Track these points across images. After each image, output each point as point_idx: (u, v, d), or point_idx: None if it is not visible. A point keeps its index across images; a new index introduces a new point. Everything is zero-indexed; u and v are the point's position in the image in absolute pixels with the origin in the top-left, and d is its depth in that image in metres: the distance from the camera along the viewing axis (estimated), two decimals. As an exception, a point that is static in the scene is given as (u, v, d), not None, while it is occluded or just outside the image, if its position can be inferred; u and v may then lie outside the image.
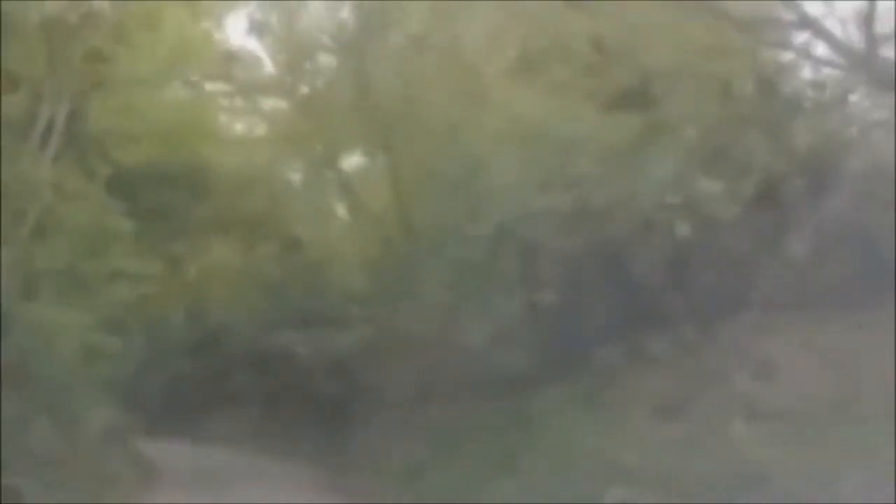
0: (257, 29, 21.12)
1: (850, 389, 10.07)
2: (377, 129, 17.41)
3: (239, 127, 23.90)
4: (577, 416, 12.01)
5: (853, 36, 10.55)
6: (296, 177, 23.36)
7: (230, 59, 20.95)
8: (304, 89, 21.97)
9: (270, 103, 23.28)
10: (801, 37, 11.08)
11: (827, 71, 12.00)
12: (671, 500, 9.61)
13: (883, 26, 10.42)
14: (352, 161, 21.85)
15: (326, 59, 21.57)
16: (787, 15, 10.92)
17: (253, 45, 21.79)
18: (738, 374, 10.61)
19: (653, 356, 11.65)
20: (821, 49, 11.25)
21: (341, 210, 21.87)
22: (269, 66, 22.10)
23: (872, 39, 10.30)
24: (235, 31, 21.49)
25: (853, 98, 12.31)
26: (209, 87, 21.30)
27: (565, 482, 10.88)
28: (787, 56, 12.51)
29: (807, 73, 12.72)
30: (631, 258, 11.28)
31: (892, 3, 10.17)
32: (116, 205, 13.67)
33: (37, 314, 9.57)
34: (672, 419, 11.19)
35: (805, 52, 11.53)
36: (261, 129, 23.70)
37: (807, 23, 10.62)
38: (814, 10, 10.65)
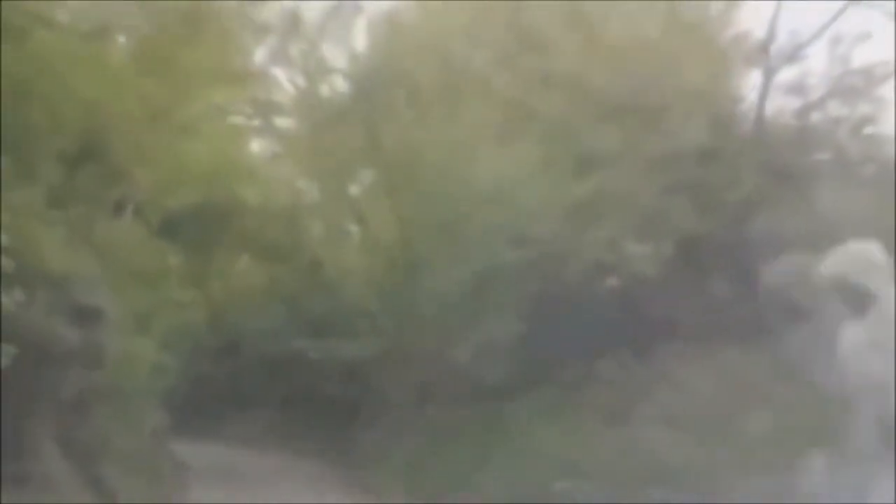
0: (279, 58, 24.15)
1: (742, 403, 13.56)
2: (382, 172, 20.74)
3: (256, 146, 27.04)
4: (542, 422, 15.42)
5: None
6: (313, 202, 26.60)
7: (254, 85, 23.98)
8: (320, 115, 25.18)
9: (286, 125, 26.54)
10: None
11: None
12: (605, 490, 13.10)
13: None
14: (363, 186, 25.11)
15: (340, 90, 24.84)
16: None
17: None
18: (662, 391, 14.05)
19: (602, 376, 15.11)
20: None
21: (354, 236, 25.00)
22: (287, 90, 25.34)
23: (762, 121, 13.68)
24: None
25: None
26: (237, 113, 24.26)
27: (529, 475, 14.30)
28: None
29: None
30: (583, 298, 14.73)
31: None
32: (166, 245, 16.92)
33: (127, 343, 12.88)
34: (615, 426, 14.66)
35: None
36: (278, 150, 26.95)
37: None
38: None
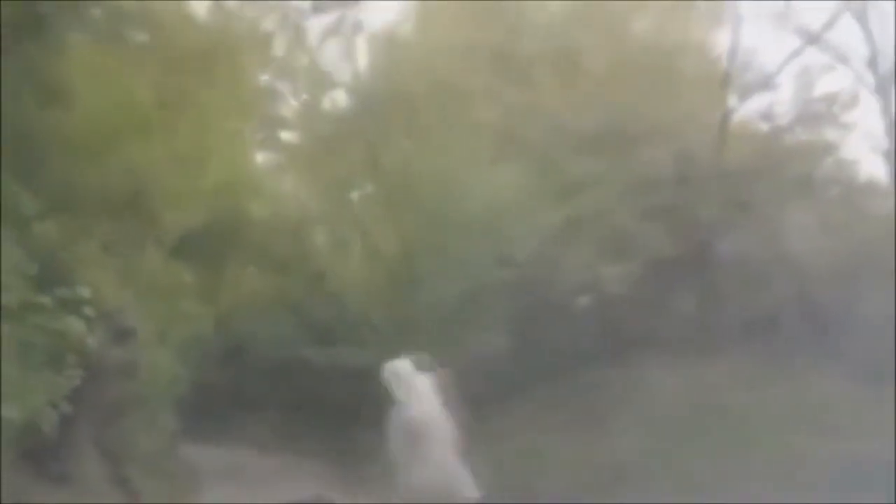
0: (283, 71, 25.77)
1: (707, 407, 15.32)
2: (381, 189, 22.49)
3: (260, 158, 28.75)
4: (527, 424, 17.16)
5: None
6: (317, 214, 28.36)
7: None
8: (321, 128, 26.88)
9: (290, 137, 28.27)
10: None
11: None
12: (585, 488, 14.83)
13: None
14: (364, 200, 26.86)
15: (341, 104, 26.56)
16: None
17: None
18: (635, 396, 15.78)
19: (582, 384, 16.83)
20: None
21: (356, 248, 26.73)
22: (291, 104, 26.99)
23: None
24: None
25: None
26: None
27: (514, 471, 16.05)
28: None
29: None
30: (564, 313, 16.51)
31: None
32: (180, 264, 18.54)
33: (151, 356, 14.55)
34: (594, 429, 16.40)
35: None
36: (282, 162, 28.71)
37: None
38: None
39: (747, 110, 18.40)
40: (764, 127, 18.78)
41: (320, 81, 25.68)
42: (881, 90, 17.42)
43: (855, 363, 14.30)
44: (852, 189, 16.96)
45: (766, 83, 18.65)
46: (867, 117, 18.55)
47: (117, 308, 10.48)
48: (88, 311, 7.17)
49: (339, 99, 26.46)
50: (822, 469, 13.42)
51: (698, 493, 14.33)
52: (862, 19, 17.30)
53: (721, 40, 19.29)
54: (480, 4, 21.16)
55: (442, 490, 7.64)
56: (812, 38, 17.49)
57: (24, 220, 7.27)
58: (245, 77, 18.53)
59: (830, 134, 19.09)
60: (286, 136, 27.56)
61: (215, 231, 21.64)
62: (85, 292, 7.26)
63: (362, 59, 24.94)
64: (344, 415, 23.01)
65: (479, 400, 19.17)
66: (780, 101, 18.95)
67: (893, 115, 16.99)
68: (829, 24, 17.29)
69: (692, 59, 19.77)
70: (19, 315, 6.86)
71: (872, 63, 17.43)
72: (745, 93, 18.46)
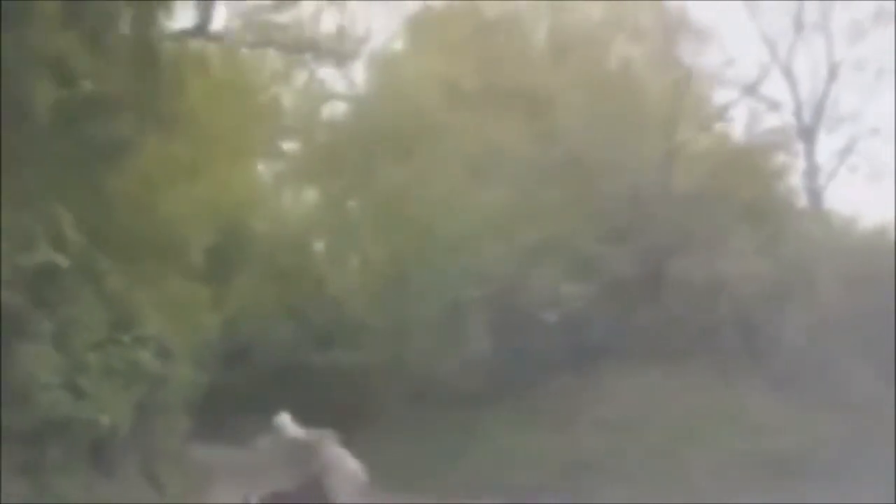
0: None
1: (659, 409, 18.12)
2: (374, 207, 25.18)
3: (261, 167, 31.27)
4: (506, 424, 19.92)
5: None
6: (316, 223, 31.02)
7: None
8: (321, 137, 29.46)
9: (290, 147, 30.87)
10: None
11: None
12: (551, 475, 17.57)
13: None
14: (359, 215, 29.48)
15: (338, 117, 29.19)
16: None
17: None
18: (595, 401, 18.56)
19: (550, 389, 19.62)
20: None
21: (352, 261, 29.40)
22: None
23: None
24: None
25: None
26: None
27: (495, 465, 18.79)
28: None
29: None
30: (534, 326, 19.30)
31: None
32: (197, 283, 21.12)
33: (180, 368, 17.22)
34: (562, 429, 19.18)
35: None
36: (282, 173, 31.38)
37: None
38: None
39: (698, 145, 21.08)
40: (712, 159, 21.38)
41: (319, 94, 28.39)
42: (804, 136, 20.27)
43: (777, 373, 17.15)
44: (785, 217, 19.69)
45: (712, 123, 21.39)
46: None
47: (158, 332, 13.09)
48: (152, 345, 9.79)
49: (337, 111, 29.48)
50: (747, 461, 16.26)
51: (649, 482, 17.17)
52: (789, 75, 20.26)
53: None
54: (463, 41, 23.93)
55: None
56: (748, 90, 20.33)
57: (99, 275, 9.84)
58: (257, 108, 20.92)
59: (772, 167, 21.82)
60: (286, 145, 30.24)
61: (223, 246, 24.31)
62: (151, 331, 9.89)
63: (358, 75, 27.82)
64: (344, 415, 26.40)
65: (463, 402, 22.02)
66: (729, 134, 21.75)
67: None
68: (760, 79, 20.19)
69: (651, 99, 22.48)
70: (105, 349, 9.54)
71: (798, 112, 20.35)
72: (699, 128, 21.19)
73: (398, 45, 27.18)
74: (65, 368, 8.66)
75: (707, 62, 22.04)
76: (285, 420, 10.35)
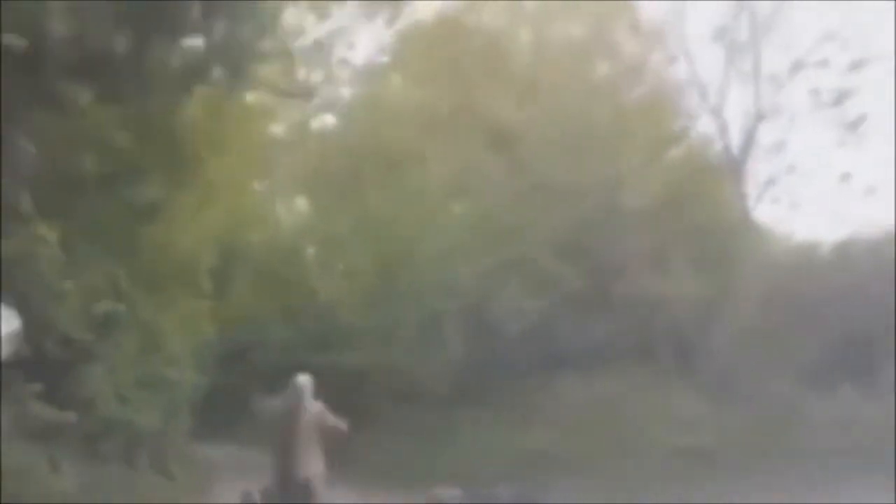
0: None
1: (605, 410, 21.27)
2: (361, 224, 28.27)
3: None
4: (474, 422, 23.02)
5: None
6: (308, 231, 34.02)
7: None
8: (311, 148, 32.30)
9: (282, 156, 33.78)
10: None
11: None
12: (513, 466, 20.69)
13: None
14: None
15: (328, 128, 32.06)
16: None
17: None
18: (551, 402, 21.69)
19: (515, 392, 22.74)
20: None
21: (342, 271, 32.34)
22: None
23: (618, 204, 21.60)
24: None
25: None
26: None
27: (464, 458, 21.86)
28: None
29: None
30: (501, 336, 22.43)
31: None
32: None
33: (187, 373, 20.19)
34: (522, 427, 22.31)
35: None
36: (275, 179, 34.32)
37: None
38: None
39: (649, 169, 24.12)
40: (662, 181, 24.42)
41: (308, 91, 31.14)
42: (732, 169, 23.51)
43: (705, 378, 20.34)
44: (723, 236, 22.82)
45: (665, 148, 24.54)
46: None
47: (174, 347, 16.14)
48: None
49: (327, 122, 32.44)
50: (676, 454, 19.36)
51: (595, 473, 20.25)
52: (718, 115, 23.62)
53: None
54: (445, 64, 26.97)
55: None
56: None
57: (137, 309, 12.86)
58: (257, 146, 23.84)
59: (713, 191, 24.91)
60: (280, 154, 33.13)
61: (222, 261, 27.27)
62: (175, 350, 12.93)
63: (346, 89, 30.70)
64: (339, 413, 29.45)
65: (437, 403, 25.08)
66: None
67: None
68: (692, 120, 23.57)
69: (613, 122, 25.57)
70: (141, 367, 12.59)
71: (727, 149, 23.58)
72: (650, 153, 24.27)
73: (385, 58, 30.22)
74: (113, 383, 11.71)
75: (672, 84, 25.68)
76: (305, 382, 11.14)
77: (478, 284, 22.57)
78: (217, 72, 12.63)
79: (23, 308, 9.48)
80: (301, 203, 34.19)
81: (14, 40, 9.84)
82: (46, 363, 10.09)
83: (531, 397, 22.59)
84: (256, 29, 12.66)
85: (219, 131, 13.99)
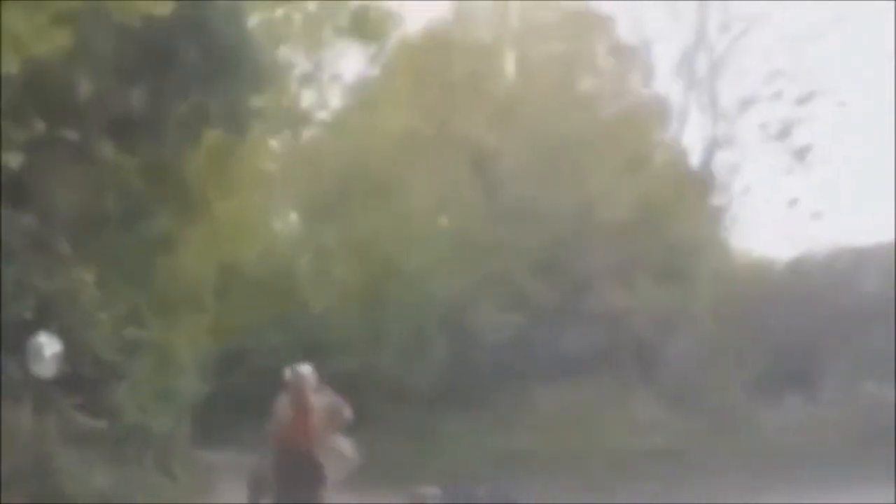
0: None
1: (573, 414, 23.56)
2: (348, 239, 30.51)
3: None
4: (459, 426, 25.26)
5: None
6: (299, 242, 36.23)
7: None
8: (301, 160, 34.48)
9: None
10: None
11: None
12: (490, 464, 22.96)
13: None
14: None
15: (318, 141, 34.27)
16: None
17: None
18: (525, 407, 23.96)
19: (489, 397, 25.00)
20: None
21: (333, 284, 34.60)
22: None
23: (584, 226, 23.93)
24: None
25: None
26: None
27: (450, 460, 24.12)
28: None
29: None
30: (478, 347, 24.67)
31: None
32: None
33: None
34: (499, 430, 24.60)
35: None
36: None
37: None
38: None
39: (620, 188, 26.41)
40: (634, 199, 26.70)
41: (301, 120, 33.44)
42: (695, 190, 25.90)
43: (663, 386, 22.61)
44: (684, 254, 25.11)
45: (637, 167, 26.82)
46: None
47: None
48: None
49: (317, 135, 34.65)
50: (636, 454, 21.66)
51: (563, 471, 22.52)
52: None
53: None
54: (432, 88, 29.22)
55: None
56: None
57: (149, 326, 15.03)
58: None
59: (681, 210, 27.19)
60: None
61: (222, 271, 29.40)
62: (183, 363, 15.11)
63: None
64: None
65: (421, 406, 27.34)
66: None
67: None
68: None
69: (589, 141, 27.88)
70: (157, 380, 14.77)
71: (689, 171, 25.96)
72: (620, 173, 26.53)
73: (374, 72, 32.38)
74: (135, 395, 13.88)
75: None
76: (307, 371, 11.41)
77: (458, 298, 24.79)
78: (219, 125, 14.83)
79: (63, 335, 11.60)
80: (294, 218, 36.40)
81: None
82: (82, 380, 12.21)
83: (508, 402, 24.84)
84: (257, 90, 14.87)
85: (222, 172, 16.08)
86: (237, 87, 14.79)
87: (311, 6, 23.30)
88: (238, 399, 29.03)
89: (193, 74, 14.52)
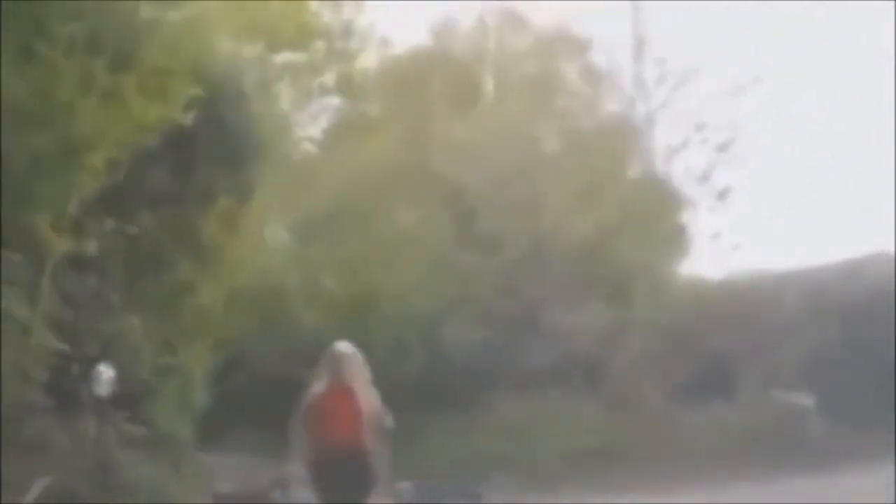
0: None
1: (530, 420, 28.25)
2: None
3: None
4: (432, 429, 29.84)
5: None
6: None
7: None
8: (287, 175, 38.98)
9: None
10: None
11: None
12: (461, 466, 27.67)
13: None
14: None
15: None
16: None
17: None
18: (489, 415, 28.59)
19: (458, 405, 29.69)
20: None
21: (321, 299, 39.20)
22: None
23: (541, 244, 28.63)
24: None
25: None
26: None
27: (423, 459, 28.74)
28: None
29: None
30: (450, 358, 29.34)
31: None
32: None
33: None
34: (466, 434, 29.27)
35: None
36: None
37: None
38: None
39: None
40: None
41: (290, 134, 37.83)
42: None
43: (607, 396, 27.35)
44: (624, 277, 29.89)
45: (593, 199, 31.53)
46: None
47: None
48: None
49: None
50: (581, 453, 26.31)
51: (523, 468, 27.16)
52: None
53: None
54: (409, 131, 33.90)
55: None
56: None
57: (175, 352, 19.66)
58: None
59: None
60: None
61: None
62: (197, 378, 19.86)
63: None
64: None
65: (399, 411, 31.86)
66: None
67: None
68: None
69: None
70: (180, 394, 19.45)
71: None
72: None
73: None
74: (166, 408, 18.54)
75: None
76: (346, 349, 11.06)
77: (434, 315, 29.45)
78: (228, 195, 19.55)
79: (116, 364, 16.22)
80: (285, 236, 41.00)
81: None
82: (129, 398, 16.78)
83: (474, 408, 29.53)
84: (259, 164, 19.56)
85: (232, 229, 20.63)
86: (242, 164, 19.47)
87: (300, 66, 27.77)
88: (230, 404, 31.18)
89: (207, 155, 19.18)
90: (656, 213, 32.30)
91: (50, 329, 14.32)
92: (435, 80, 34.47)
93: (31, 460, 14.05)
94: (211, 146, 19.24)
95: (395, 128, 34.39)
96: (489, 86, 36.98)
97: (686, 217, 31.89)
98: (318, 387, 10.69)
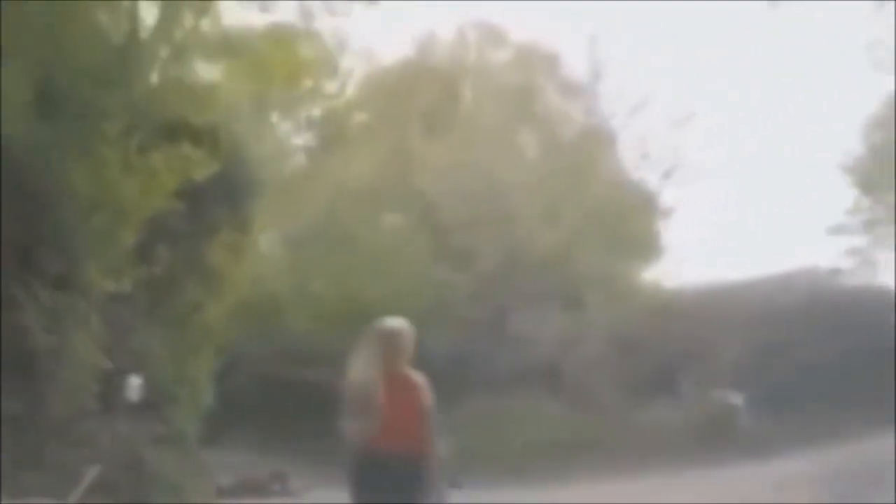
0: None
1: (497, 416, 32.51)
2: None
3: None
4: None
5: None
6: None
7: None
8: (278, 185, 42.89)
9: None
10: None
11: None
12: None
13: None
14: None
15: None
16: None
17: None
18: (466, 414, 32.79)
19: (439, 405, 33.86)
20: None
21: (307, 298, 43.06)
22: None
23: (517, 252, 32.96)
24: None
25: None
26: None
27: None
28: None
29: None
30: (428, 361, 33.52)
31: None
32: None
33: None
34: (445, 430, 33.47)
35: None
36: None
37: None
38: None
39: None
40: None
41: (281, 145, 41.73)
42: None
43: (567, 394, 31.70)
44: (583, 287, 34.13)
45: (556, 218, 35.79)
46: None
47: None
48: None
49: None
50: (543, 445, 30.52)
51: (495, 459, 31.40)
52: None
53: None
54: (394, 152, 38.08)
55: None
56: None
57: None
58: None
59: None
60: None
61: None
62: (203, 384, 24.21)
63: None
64: (318, 422, 39.23)
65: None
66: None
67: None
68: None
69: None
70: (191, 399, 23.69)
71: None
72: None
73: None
74: (182, 411, 22.78)
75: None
76: (400, 323, 9.09)
77: (413, 321, 33.51)
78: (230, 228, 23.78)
79: (143, 374, 20.48)
80: (277, 248, 45.10)
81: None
82: (155, 402, 21.04)
83: (451, 407, 33.59)
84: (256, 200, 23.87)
85: (235, 257, 24.79)
86: (241, 202, 23.73)
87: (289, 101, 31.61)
88: (228, 403, 31.60)
89: (212, 197, 23.42)
90: (623, 220, 36.46)
91: (98, 350, 18.45)
92: (417, 92, 38.37)
93: (83, 452, 18.18)
94: (215, 190, 23.42)
95: (378, 144, 38.50)
96: (468, 97, 41.15)
97: (653, 225, 35.94)
98: (359, 373, 8.62)
